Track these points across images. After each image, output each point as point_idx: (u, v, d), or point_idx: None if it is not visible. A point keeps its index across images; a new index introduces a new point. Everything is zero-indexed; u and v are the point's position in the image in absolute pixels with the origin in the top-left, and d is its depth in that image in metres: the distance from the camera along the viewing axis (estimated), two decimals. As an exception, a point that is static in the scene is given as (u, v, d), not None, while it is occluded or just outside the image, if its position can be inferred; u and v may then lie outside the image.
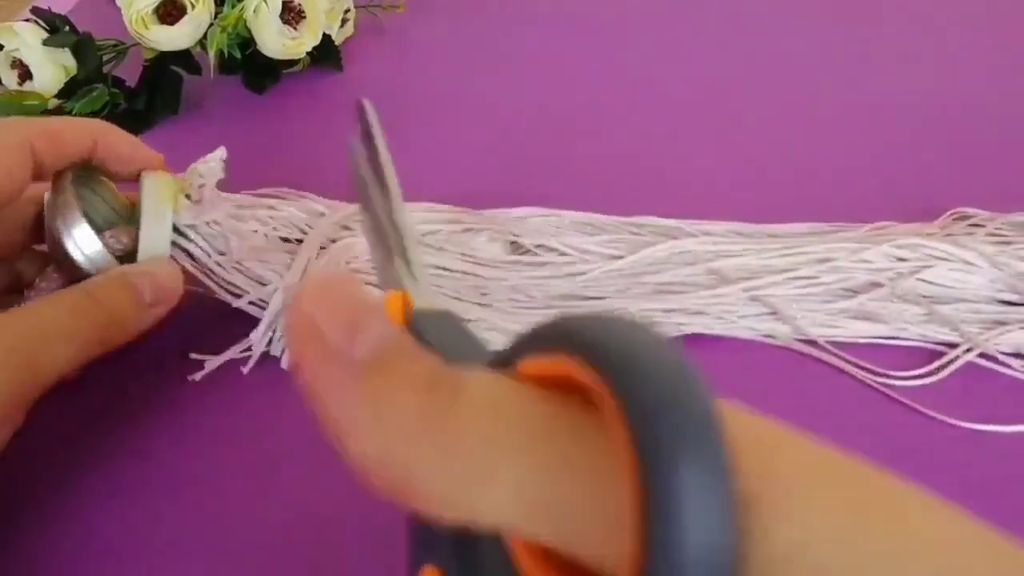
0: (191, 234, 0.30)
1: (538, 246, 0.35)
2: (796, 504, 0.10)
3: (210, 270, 0.31)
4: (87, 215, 0.28)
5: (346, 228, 0.34)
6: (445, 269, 0.34)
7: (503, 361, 0.13)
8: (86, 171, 0.30)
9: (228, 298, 0.31)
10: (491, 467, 0.11)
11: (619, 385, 0.10)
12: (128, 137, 0.30)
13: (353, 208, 0.35)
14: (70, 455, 0.28)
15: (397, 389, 0.12)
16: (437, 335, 0.15)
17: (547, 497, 0.11)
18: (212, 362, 0.30)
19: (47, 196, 0.29)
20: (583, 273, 0.34)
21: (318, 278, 0.13)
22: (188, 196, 0.30)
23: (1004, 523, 0.29)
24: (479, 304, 0.32)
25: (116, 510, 0.26)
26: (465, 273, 0.34)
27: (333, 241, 0.34)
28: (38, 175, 0.28)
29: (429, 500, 0.11)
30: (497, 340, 0.31)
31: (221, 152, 0.32)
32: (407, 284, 0.17)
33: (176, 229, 0.30)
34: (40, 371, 0.24)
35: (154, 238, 0.29)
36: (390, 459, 0.11)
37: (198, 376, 0.30)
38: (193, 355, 0.31)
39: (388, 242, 0.18)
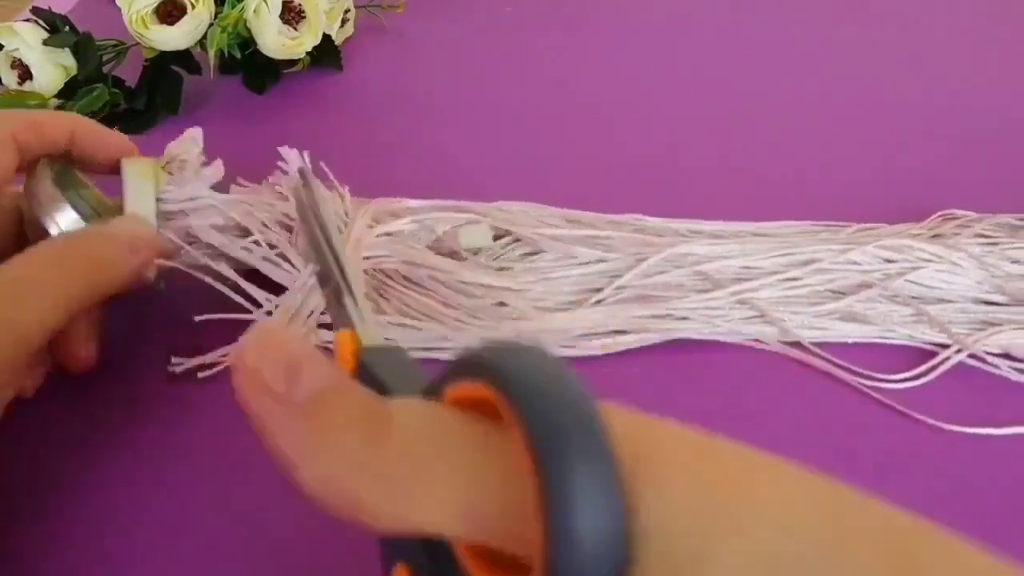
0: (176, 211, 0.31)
1: (517, 240, 0.35)
2: (662, 482, 0.12)
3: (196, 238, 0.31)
4: (67, 196, 0.28)
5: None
6: (432, 268, 0.33)
7: (435, 389, 0.15)
8: (65, 168, 0.30)
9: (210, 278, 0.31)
10: (419, 484, 0.13)
11: (516, 401, 0.12)
12: (101, 127, 0.31)
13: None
14: (60, 455, 0.28)
15: (335, 424, 0.13)
16: (384, 369, 0.17)
17: (467, 503, 0.13)
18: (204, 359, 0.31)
19: (24, 185, 0.29)
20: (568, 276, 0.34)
21: (257, 333, 0.14)
22: (170, 173, 0.31)
23: (994, 526, 0.29)
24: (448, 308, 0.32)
25: (107, 510, 0.26)
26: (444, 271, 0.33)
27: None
28: (23, 167, 0.28)
29: (375, 518, 0.13)
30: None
31: (195, 132, 0.33)
32: (356, 324, 0.19)
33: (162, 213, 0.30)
34: (22, 328, 0.23)
35: (138, 212, 0.30)
36: (336, 486, 0.13)
37: (178, 369, 0.30)
38: (175, 360, 0.30)
39: (336, 283, 0.20)
